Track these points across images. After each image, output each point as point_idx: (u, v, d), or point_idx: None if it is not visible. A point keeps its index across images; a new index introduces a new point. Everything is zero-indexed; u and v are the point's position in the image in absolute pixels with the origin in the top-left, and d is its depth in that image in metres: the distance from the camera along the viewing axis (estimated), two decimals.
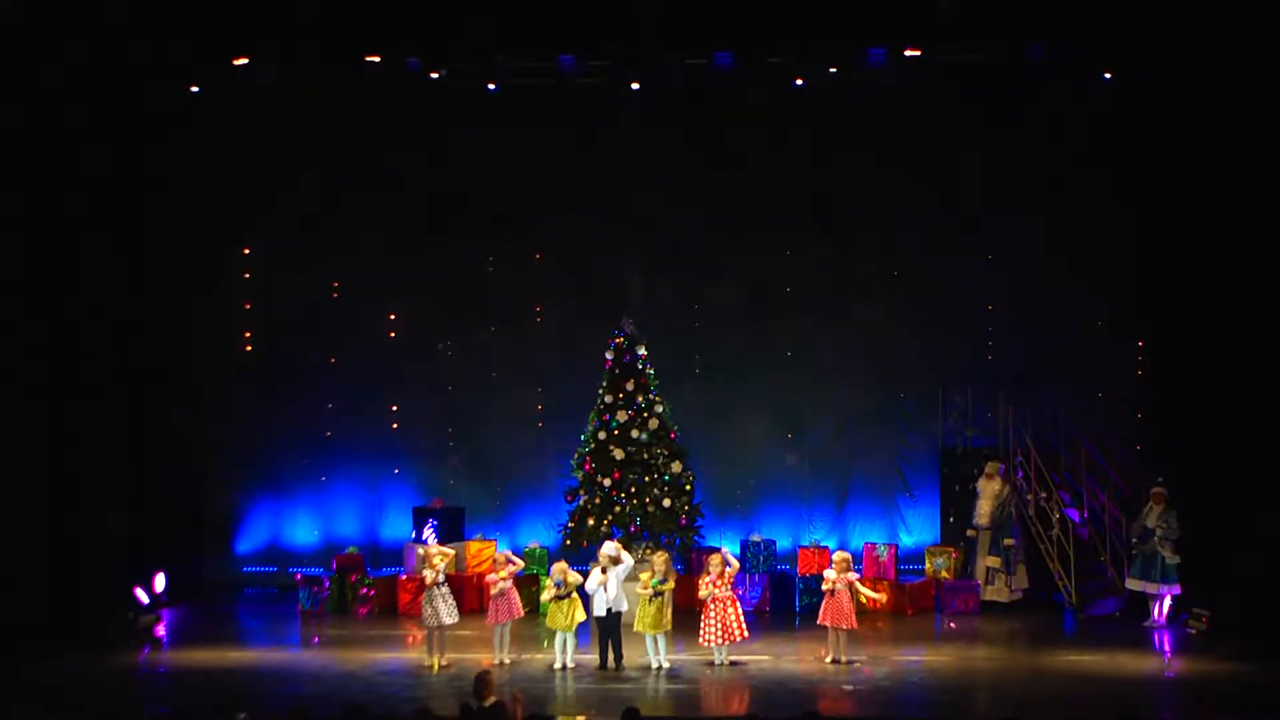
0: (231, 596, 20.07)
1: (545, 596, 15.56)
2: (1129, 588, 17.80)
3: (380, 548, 20.58)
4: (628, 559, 15.63)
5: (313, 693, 14.10)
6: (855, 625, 15.52)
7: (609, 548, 15.72)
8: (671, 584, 15.52)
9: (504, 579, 15.65)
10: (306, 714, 11.08)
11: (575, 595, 15.49)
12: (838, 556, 15.81)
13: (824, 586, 15.59)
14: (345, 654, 16.19)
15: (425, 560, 15.69)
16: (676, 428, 18.59)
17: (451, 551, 16.12)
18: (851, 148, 20.40)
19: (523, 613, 15.85)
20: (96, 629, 17.00)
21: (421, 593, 15.71)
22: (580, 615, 15.50)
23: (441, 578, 15.52)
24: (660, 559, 15.56)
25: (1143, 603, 17.69)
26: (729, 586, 15.42)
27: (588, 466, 18.22)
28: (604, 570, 15.37)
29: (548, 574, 15.88)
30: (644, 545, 17.88)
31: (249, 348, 20.94)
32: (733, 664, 15.34)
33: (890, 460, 20.90)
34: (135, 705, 14.17)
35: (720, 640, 15.25)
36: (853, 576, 15.65)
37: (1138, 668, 15.53)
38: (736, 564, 15.90)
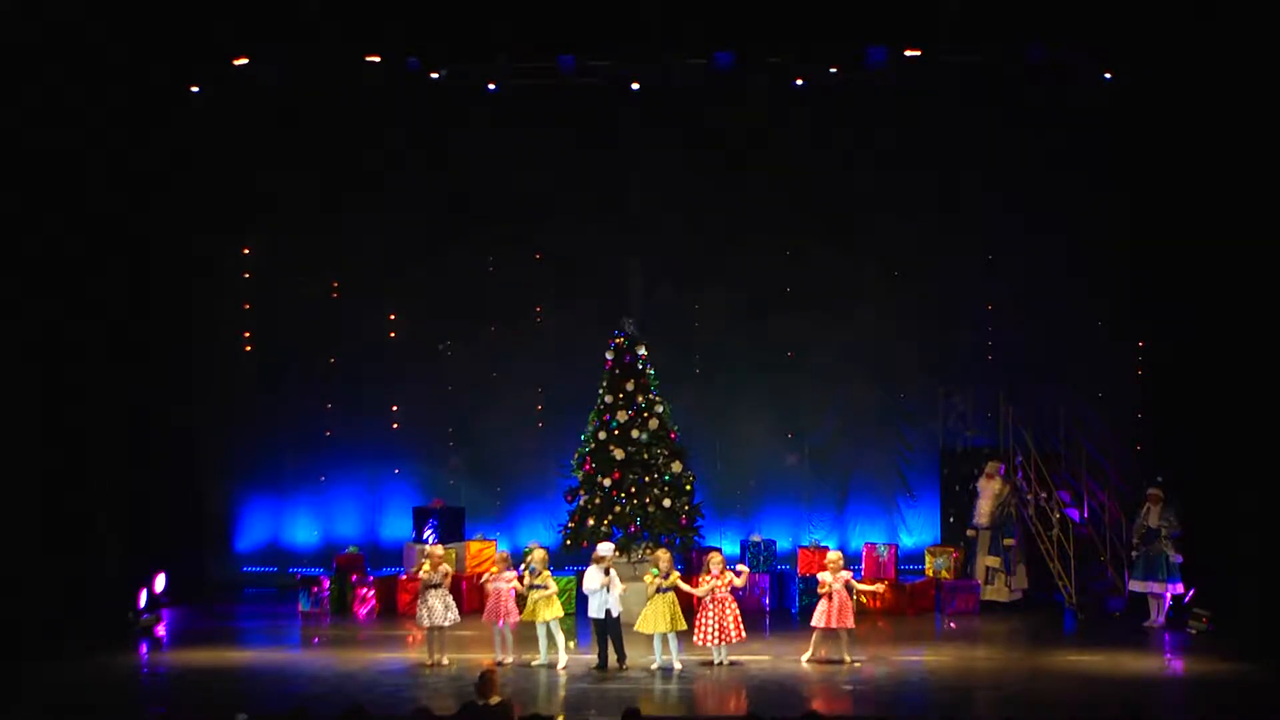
0: (231, 596, 20.07)
1: (522, 586, 15.52)
2: (1132, 589, 17.81)
3: (380, 548, 20.59)
4: (617, 582, 15.54)
5: (313, 693, 14.10)
6: (853, 625, 15.52)
7: (605, 548, 15.72)
8: (676, 578, 15.50)
9: (496, 576, 15.64)
10: (306, 714, 11.08)
11: (548, 588, 15.47)
12: (831, 558, 15.83)
13: (820, 590, 15.60)
14: (345, 654, 16.20)
15: (431, 560, 15.69)
16: (676, 428, 18.58)
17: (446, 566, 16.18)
18: (851, 148, 20.42)
19: (518, 615, 15.83)
20: (96, 629, 17.00)
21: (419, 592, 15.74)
22: (557, 610, 15.50)
23: (438, 579, 15.52)
24: (664, 556, 15.57)
25: (1142, 602, 17.70)
26: (728, 589, 15.42)
27: (588, 467, 18.22)
28: (606, 571, 15.35)
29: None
30: (644, 545, 17.88)
31: (249, 348, 20.94)
32: (732, 664, 15.34)
33: (890, 460, 20.91)
34: (135, 705, 14.18)
35: (718, 640, 15.25)
36: (847, 575, 15.65)
37: (1138, 668, 15.53)
38: (747, 571, 15.87)
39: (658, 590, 15.24)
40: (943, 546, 19.33)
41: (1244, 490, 17.34)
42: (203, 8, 17.92)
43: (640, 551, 17.76)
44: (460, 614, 15.90)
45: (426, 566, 15.59)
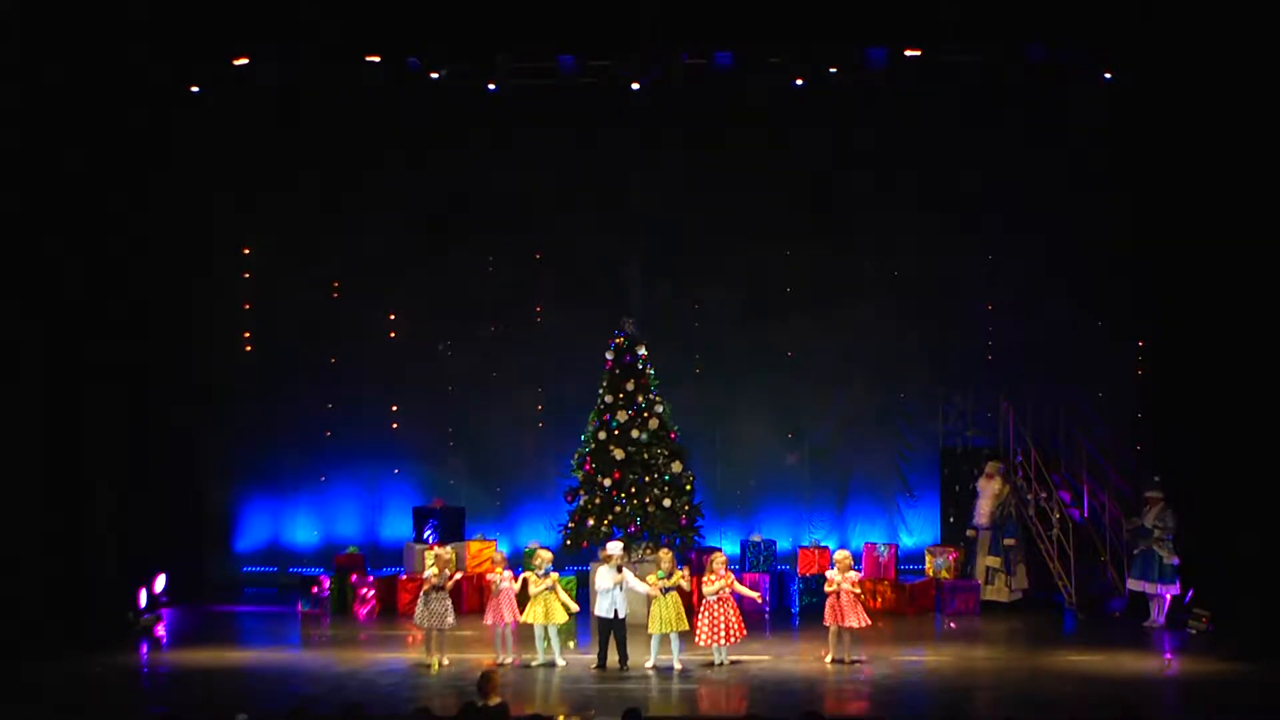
0: (231, 596, 20.07)
1: (533, 590, 15.54)
2: (1130, 588, 17.83)
3: (380, 548, 20.59)
4: (635, 583, 15.51)
5: (313, 693, 14.10)
6: (869, 622, 15.50)
7: (614, 547, 15.73)
8: (680, 576, 15.52)
9: (501, 577, 15.64)
10: (306, 714, 11.08)
11: (557, 589, 15.50)
12: (838, 556, 15.84)
13: (827, 588, 15.59)
14: (345, 654, 16.20)
15: (439, 562, 15.68)
16: (676, 428, 18.56)
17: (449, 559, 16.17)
18: (851, 148, 20.42)
19: (519, 616, 15.84)
20: (96, 629, 17.00)
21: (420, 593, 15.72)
22: (566, 612, 15.51)
23: (441, 582, 15.52)
24: (665, 556, 15.58)
25: (1142, 602, 17.70)
26: (730, 589, 15.42)
27: (588, 467, 18.20)
28: (619, 569, 15.36)
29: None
30: (644, 545, 17.89)
31: (249, 348, 20.94)
32: (733, 664, 15.34)
33: (890, 460, 20.91)
34: (135, 705, 14.19)
35: (720, 640, 15.25)
36: (855, 575, 15.64)
37: (1138, 668, 15.53)
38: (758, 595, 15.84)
39: (662, 591, 15.26)
40: (943, 546, 19.33)
41: (1244, 490, 17.33)
42: (202, 8, 17.91)
43: (640, 551, 17.76)
44: (459, 614, 15.89)
45: (435, 569, 15.55)
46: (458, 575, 16.26)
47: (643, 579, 15.65)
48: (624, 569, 15.42)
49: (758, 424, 20.80)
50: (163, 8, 17.76)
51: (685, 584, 15.63)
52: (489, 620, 15.67)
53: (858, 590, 15.52)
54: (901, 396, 20.86)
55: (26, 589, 16.91)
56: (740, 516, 20.70)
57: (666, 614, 15.22)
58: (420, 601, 15.50)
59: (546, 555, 15.81)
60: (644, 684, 14.71)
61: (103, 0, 17.43)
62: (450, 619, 15.48)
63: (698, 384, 20.62)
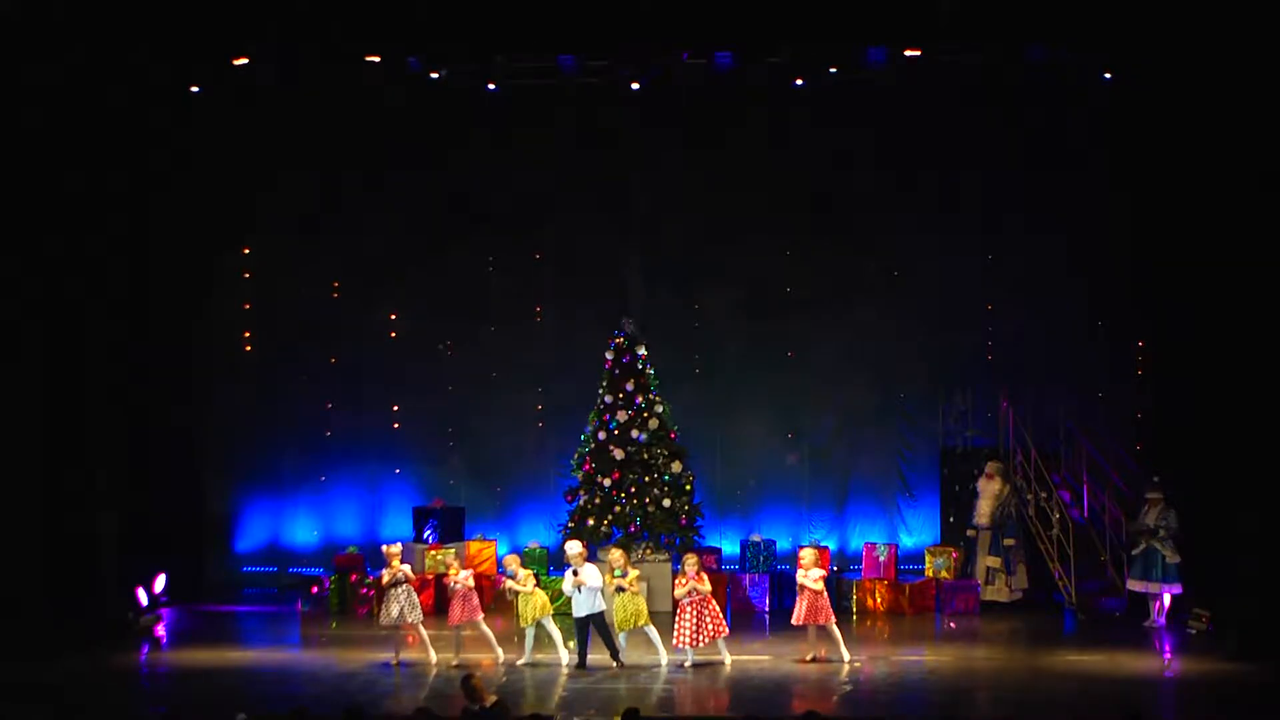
0: (231, 596, 20.07)
1: (508, 592, 15.61)
2: (1130, 589, 17.81)
3: (380, 548, 20.52)
4: (595, 578, 15.42)
5: (312, 693, 14.11)
6: (822, 620, 15.38)
7: (570, 548, 15.72)
8: (634, 574, 15.48)
9: (460, 581, 15.66)
10: (306, 714, 11.09)
11: (535, 588, 15.56)
12: (801, 554, 15.75)
13: (798, 588, 15.61)
14: (345, 654, 16.20)
15: (389, 556, 15.76)
16: (676, 428, 18.59)
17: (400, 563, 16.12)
18: (851, 148, 20.41)
19: (483, 612, 15.86)
20: (96, 629, 17.00)
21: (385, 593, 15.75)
22: (546, 608, 15.54)
23: (399, 578, 15.53)
24: (616, 555, 15.54)
25: (1143, 603, 17.69)
26: (706, 583, 15.31)
27: (588, 466, 18.23)
28: (575, 572, 15.36)
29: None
30: (644, 544, 17.89)
31: (249, 348, 20.94)
32: (727, 664, 15.30)
33: (890, 460, 20.89)
34: (135, 705, 14.19)
35: (695, 642, 15.12)
36: (820, 572, 15.52)
37: (1138, 668, 15.53)
38: (708, 586, 15.60)
39: (616, 590, 15.27)
40: (943, 546, 19.32)
41: (1243, 489, 17.32)
42: (202, 8, 17.91)
43: (641, 551, 17.78)
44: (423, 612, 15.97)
45: (400, 566, 15.62)
46: (399, 571, 15.91)
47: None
48: (580, 571, 15.35)
49: (758, 424, 20.78)
50: (163, 8, 17.75)
51: (634, 586, 15.47)
52: (454, 621, 15.63)
53: (818, 587, 15.46)
54: (901, 396, 20.84)
55: (26, 589, 16.92)
56: (740, 516, 20.69)
57: (626, 611, 15.26)
58: (386, 601, 15.57)
59: (510, 556, 16.05)
60: (643, 684, 14.70)
61: (103, 0, 17.42)
62: (410, 616, 15.48)
63: (698, 384, 20.62)
